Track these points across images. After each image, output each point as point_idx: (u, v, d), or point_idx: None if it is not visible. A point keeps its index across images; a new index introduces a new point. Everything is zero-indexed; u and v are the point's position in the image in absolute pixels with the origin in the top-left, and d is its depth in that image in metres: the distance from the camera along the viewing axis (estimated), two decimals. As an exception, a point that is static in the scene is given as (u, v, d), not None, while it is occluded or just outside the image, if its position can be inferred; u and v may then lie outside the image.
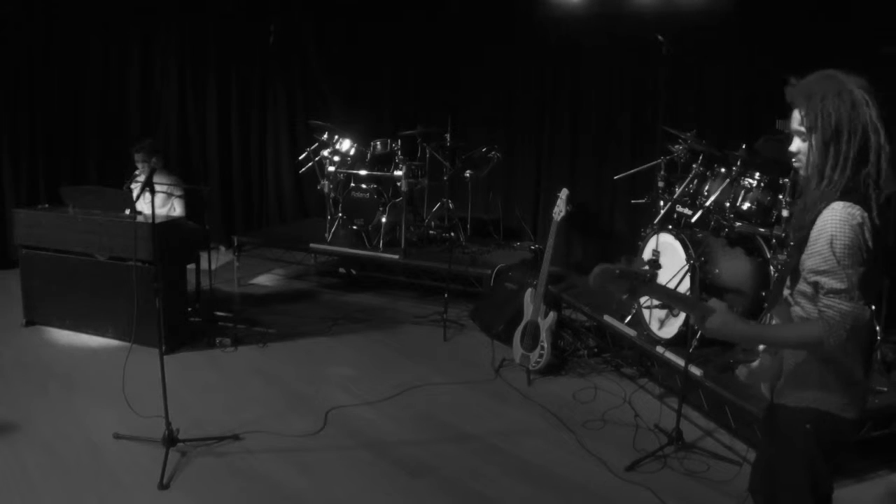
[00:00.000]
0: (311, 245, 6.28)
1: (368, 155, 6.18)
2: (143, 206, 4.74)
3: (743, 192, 4.19)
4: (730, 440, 3.65)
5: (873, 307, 1.77)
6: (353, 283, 6.63)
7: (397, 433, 3.75)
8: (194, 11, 7.31)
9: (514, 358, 4.56)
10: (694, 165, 4.50)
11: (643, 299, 4.02)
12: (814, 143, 1.79)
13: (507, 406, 4.12)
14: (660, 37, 4.97)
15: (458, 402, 4.15)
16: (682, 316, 3.91)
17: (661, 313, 4.12)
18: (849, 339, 1.72)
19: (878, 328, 3.71)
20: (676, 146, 4.69)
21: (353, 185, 6.18)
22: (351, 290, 6.38)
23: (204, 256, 5.29)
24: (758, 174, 4.17)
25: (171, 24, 7.29)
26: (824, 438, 1.86)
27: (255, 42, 7.64)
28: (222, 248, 7.51)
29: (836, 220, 1.72)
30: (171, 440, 3.34)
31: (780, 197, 4.07)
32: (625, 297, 1.79)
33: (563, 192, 4.56)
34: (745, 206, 4.17)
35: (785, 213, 3.97)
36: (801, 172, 1.86)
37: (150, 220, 3.60)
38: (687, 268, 3.89)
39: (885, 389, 3.44)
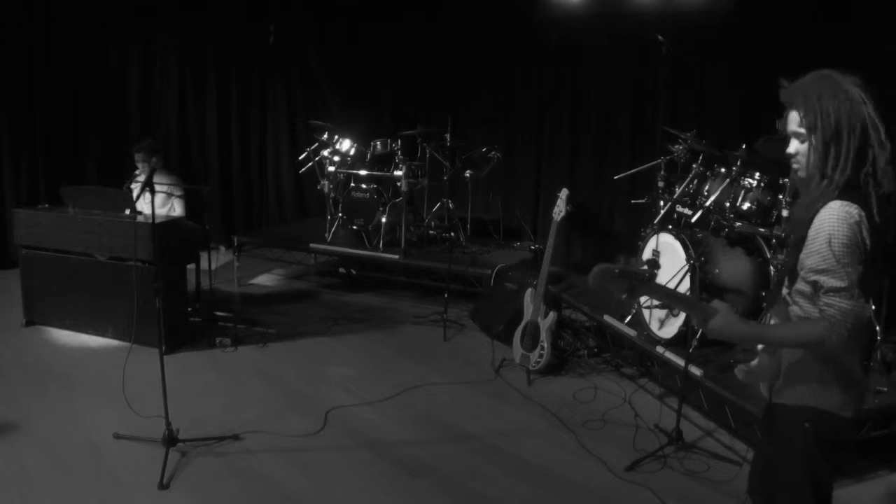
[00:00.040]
0: (311, 245, 6.29)
1: (368, 155, 6.18)
2: (143, 206, 4.74)
3: (743, 192, 4.19)
4: (730, 440, 3.65)
5: (873, 307, 1.77)
6: (353, 283, 6.63)
7: (397, 433, 3.75)
8: (194, 11, 7.32)
9: (514, 358, 4.56)
10: (694, 165, 4.50)
11: (643, 299, 4.02)
12: (814, 143, 1.79)
13: (507, 406, 4.12)
14: (660, 37, 4.97)
15: (458, 402, 4.15)
16: (682, 316, 3.91)
17: (661, 313, 4.12)
18: (850, 337, 1.72)
19: (878, 328, 3.72)
20: (676, 146, 4.69)
21: (353, 185, 6.18)
22: (351, 290, 6.38)
23: (204, 256, 5.29)
24: (758, 174, 4.17)
25: (171, 24, 7.30)
26: (823, 437, 1.86)
27: (255, 42, 7.64)
28: (222, 248, 7.51)
29: (833, 219, 1.73)
30: (171, 440, 3.34)
31: (780, 197, 4.07)
32: (624, 296, 1.80)
33: (563, 192, 4.56)
34: (745, 206, 4.18)
35: (785, 213, 3.97)
36: (800, 174, 1.86)
37: (150, 220, 3.60)
38: (687, 268, 3.89)
39: (885, 389, 3.44)
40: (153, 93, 7.37)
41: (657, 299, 2.10)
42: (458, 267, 5.55)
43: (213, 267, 5.66)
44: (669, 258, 4.08)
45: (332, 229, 6.30)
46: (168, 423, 3.35)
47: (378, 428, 3.80)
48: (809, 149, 1.81)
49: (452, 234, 6.23)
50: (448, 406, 4.08)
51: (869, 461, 3.40)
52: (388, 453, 3.52)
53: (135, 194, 4.61)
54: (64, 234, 4.79)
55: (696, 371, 3.70)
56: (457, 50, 7.21)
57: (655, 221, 4.55)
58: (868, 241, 1.73)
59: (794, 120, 1.84)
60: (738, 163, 4.23)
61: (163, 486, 3.13)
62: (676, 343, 3.98)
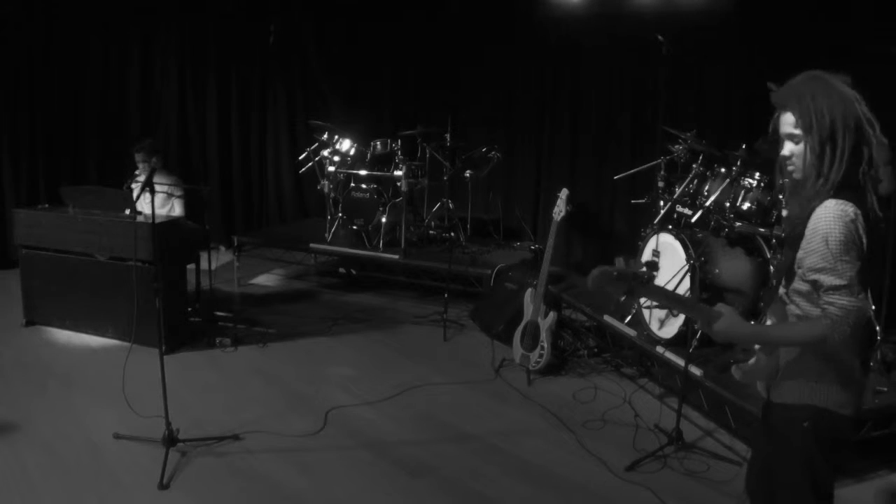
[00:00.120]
0: (311, 245, 6.29)
1: (368, 155, 6.18)
2: (143, 206, 4.74)
3: (743, 192, 4.19)
4: (730, 440, 3.65)
5: (873, 307, 1.77)
6: (353, 283, 6.63)
7: (397, 433, 3.75)
8: (194, 11, 7.32)
9: (514, 358, 4.56)
10: (694, 165, 4.50)
11: (643, 300, 4.02)
12: (810, 144, 1.79)
13: (507, 406, 4.12)
14: (660, 37, 4.97)
15: (458, 402, 4.15)
16: (683, 316, 3.91)
17: (661, 313, 4.12)
18: (852, 334, 1.73)
19: (877, 328, 3.72)
20: (676, 146, 4.69)
21: (353, 185, 6.18)
22: (351, 290, 6.38)
23: (204, 256, 5.29)
24: (758, 174, 4.17)
25: (171, 24, 7.30)
26: (823, 436, 1.86)
27: (255, 42, 7.64)
28: (222, 248, 7.51)
29: (828, 217, 1.74)
30: (171, 440, 3.35)
31: (780, 197, 4.07)
32: (623, 298, 1.80)
33: (563, 192, 4.56)
34: (745, 206, 4.17)
35: (785, 212, 3.96)
36: (796, 175, 1.86)
37: (150, 220, 3.60)
38: (687, 268, 3.89)
39: (885, 389, 3.44)
40: (153, 93, 7.37)
41: (656, 301, 2.10)
42: (458, 267, 5.55)
43: (213, 267, 5.66)
44: (669, 258, 4.08)
45: (332, 229, 6.30)
46: (168, 423, 3.35)
47: (378, 428, 3.80)
48: (805, 150, 1.81)
49: (452, 234, 6.23)
50: (448, 406, 4.08)
51: (869, 461, 3.40)
52: (388, 453, 3.53)
53: (135, 194, 4.62)
54: (64, 234, 4.79)
55: (696, 371, 3.70)
56: (457, 50, 7.21)
57: (655, 221, 4.55)
58: (864, 239, 1.73)
59: (788, 122, 1.84)
60: (738, 163, 4.23)
61: (163, 486, 3.13)
62: (676, 343, 3.98)
